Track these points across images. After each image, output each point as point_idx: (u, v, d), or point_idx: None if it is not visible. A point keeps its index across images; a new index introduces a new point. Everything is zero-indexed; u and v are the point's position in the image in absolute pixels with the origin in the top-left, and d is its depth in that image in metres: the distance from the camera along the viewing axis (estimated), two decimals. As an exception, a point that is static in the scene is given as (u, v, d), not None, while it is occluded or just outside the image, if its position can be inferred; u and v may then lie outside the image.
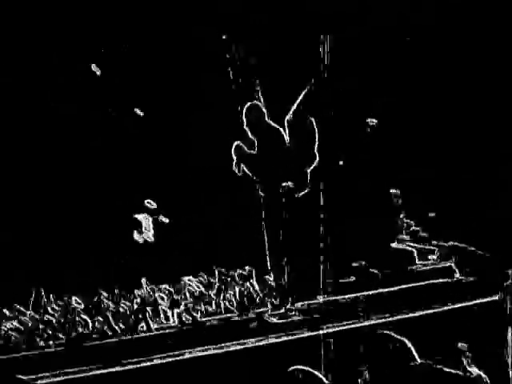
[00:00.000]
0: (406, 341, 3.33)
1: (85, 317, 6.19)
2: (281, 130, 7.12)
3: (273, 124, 7.13)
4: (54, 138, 7.01)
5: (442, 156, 8.42)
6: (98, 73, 6.88)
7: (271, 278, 7.22)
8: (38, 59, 6.91)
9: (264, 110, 6.93)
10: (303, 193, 7.13)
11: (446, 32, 8.05)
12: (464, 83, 8.09)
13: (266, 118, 7.02)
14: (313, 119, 7.27)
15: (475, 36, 8.04)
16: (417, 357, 3.17)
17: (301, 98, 7.30)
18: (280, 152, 7.13)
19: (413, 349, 3.30)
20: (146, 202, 7.09)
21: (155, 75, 7.21)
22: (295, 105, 7.29)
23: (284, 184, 7.06)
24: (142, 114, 7.05)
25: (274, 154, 7.05)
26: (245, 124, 6.81)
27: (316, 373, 2.57)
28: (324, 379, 2.57)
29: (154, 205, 6.99)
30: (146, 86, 7.24)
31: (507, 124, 8.22)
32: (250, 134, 6.84)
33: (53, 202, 6.91)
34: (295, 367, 2.62)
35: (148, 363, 5.37)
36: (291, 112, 7.31)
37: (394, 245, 8.79)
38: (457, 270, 8.23)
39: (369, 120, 8.22)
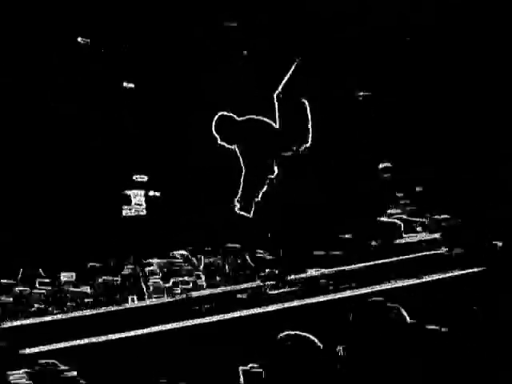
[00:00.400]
0: (400, 307, 3.38)
1: (75, 289, 6.24)
2: (263, 118, 7.05)
3: (247, 118, 7.01)
4: (46, 118, 6.98)
5: (436, 132, 8.46)
6: (86, 43, 6.82)
7: (262, 251, 7.28)
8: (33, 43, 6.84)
9: (232, 114, 6.83)
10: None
11: (445, 32, 8.04)
12: (465, 82, 8.11)
13: (238, 118, 6.91)
14: (305, 100, 7.23)
15: (475, 36, 8.04)
16: (408, 318, 3.23)
17: (289, 73, 7.26)
18: (269, 142, 7.07)
19: (405, 313, 3.36)
20: (136, 176, 7.08)
21: (144, 42, 7.16)
22: (284, 81, 7.26)
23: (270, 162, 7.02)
24: (132, 85, 7.02)
25: (263, 149, 6.98)
26: (219, 140, 6.70)
27: (310, 336, 2.60)
28: (318, 342, 2.61)
29: (144, 178, 6.99)
30: (141, 60, 7.20)
31: (506, 117, 8.25)
32: (233, 147, 6.75)
33: (44, 180, 6.90)
34: (287, 333, 2.65)
35: (139, 332, 5.44)
36: (280, 88, 7.27)
37: (382, 218, 8.87)
38: (443, 242, 8.33)
39: (361, 93, 8.24)
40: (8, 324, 5.86)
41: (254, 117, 6.77)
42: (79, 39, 6.94)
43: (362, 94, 8.06)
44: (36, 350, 4.90)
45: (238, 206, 6.64)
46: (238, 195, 6.75)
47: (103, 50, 7.02)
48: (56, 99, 6.95)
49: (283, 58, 6.95)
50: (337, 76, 7.59)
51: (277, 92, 7.18)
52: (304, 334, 2.76)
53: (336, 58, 7.53)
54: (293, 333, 2.76)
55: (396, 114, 8.08)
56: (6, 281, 6.29)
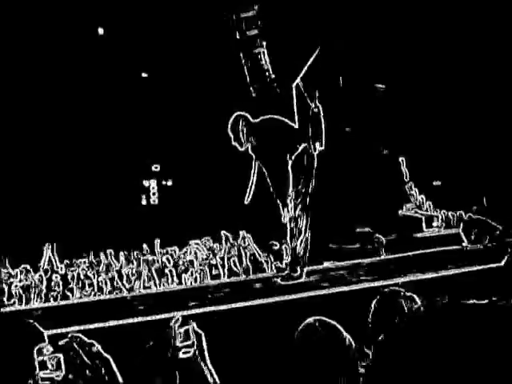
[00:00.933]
0: (415, 296, 3.32)
1: (91, 275, 6.33)
2: (278, 118, 6.95)
3: (264, 118, 6.93)
4: (62, 107, 7.10)
5: (449, 125, 8.38)
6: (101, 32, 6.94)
7: (276, 242, 7.27)
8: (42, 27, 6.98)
9: (248, 115, 6.75)
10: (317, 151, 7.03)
11: (446, 33, 7.96)
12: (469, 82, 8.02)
13: (254, 120, 6.83)
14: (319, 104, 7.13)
15: (475, 37, 7.94)
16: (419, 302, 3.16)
17: (309, 63, 7.22)
18: (285, 140, 6.97)
19: (418, 299, 3.28)
20: (152, 167, 7.18)
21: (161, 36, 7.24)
22: (303, 70, 7.21)
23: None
24: (146, 75, 7.11)
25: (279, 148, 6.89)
26: (233, 139, 6.61)
27: (336, 324, 2.54)
28: (344, 333, 2.55)
29: (157, 168, 7.07)
30: (155, 51, 7.29)
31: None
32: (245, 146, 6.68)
33: (64, 168, 7.03)
34: (313, 318, 2.58)
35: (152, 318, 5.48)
36: (299, 78, 7.22)
37: (401, 212, 8.78)
38: (464, 238, 8.20)
39: (377, 86, 8.20)
40: (31, 306, 5.98)
41: (269, 116, 6.70)
42: (100, 30, 7.07)
43: (379, 86, 8.03)
44: (59, 331, 4.99)
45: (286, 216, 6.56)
46: (281, 210, 6.67)
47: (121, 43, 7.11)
48: (75, 93, 7.08)
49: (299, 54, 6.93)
50: (350, 73, 7.56)
51: (296, 82, 7.13)
52: (333, 321, 2.69)
53: (347, 58, 7.50)
54: (321, 319, 2.69)
55: (410, 111, 8.02)
56: (27, 266, 6.42)
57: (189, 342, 2.13)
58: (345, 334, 2.71)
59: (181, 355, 2.09)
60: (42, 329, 2.87)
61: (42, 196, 6.95)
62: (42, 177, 7.03)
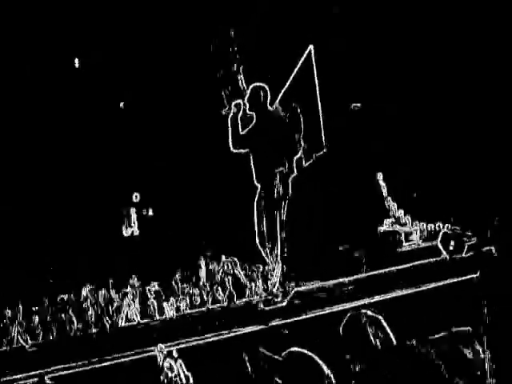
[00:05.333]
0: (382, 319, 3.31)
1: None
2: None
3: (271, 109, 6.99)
4: (44, 134, 7.12)
5: (427, 137, 8.49)
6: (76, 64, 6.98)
7: (260, 266, 7.32)
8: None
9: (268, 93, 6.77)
10: (292, 176, 7.12)
11: (447, 33, 8.06)
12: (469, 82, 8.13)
13: (268, 104, 6.87)
14: (298, 107, 7.24)
15: (476, 37, 8.04)
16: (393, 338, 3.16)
17: (287, 86, 7.31)
18: (272, 142, 7.06)
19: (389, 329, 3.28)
20: (133, 196, 7.20)
21: (142, 69, 7.30)
22: (281, 93, 7.30)
23: (277, 170, 7.00)
24: (122, 105, 7.15)
25: (268, 145, 6.96)
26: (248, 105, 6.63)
27: (314, 356, 2.55)
28: (322, 364, 2.56)
29: (138, 198, 7.09)
30: (132, 80, 7.34)
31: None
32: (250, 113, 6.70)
33: (43, 198, 7.03)
34: (290, 350, 2.60)
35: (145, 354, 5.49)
36: (278, 100, 7.31)
37: (380, 228, 8.87)
38: (443, 249, 8.32)
39: (353, 105, 8.30)
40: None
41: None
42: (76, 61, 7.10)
43: (355, 104, 8.13)
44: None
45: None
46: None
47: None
48: (56, 122, 7.09)
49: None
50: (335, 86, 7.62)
51: (274, 105, 7.20)
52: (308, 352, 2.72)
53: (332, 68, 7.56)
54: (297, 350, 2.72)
55: (389, 123, 8.10)
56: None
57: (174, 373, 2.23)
58: (320, 363, 2.74)
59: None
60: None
61: (24, 229, 6.95)
62: (23, 209, 7.03)
